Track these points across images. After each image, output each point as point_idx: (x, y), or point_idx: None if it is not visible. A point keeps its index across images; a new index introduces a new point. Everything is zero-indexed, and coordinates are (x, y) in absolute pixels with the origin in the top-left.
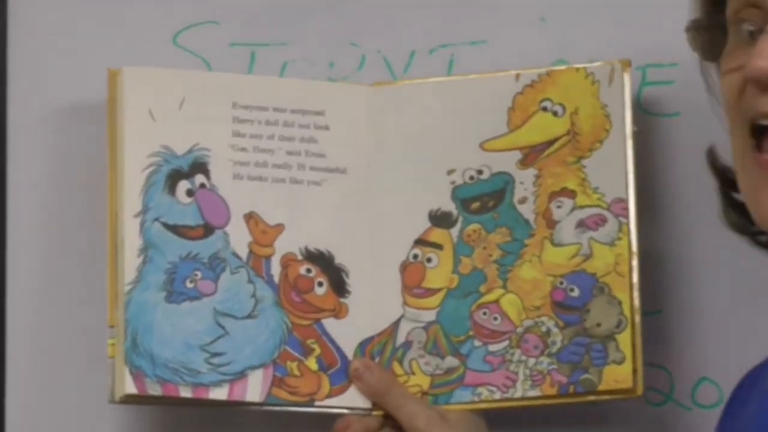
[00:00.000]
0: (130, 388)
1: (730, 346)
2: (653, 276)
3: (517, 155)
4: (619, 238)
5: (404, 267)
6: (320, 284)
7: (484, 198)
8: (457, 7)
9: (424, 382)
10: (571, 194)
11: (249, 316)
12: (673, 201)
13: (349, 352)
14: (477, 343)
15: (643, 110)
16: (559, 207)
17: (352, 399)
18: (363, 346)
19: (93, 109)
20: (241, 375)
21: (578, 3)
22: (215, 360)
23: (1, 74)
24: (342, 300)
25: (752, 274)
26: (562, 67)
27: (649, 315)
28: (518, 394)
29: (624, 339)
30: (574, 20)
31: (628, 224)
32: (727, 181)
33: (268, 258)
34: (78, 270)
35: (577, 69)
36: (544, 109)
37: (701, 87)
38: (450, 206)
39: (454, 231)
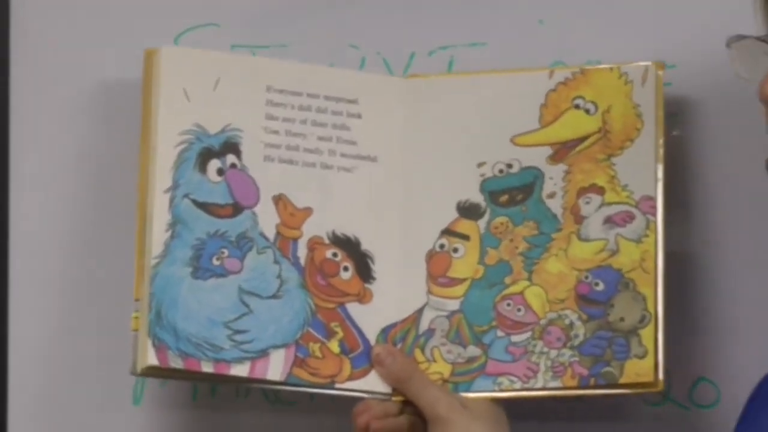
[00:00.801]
0: (153, 360)
1: (728, 347)
2: None
3: (548, 151)
4: (647, 235)
5: (430, 256)
6: (346, 269)
7: (512, 191)
8: (456, 8)
9: (445, 369)
10: (600, 191)
11: (274, 296)
12: (670, 201)
13: (372, 337)
14: (500, 333)
15: None
16: (587, 203)
17: (373, 383)
18: (386, 332)
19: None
20: (263, 353)
21: (577, 5)
22: (238, 337)
23: (4, 69)
24: (367, 285)
25: (751, 275)
26: (596, 66)
27: None
28: (539, 384)
29: (647, 334)
30: (572, 22)
31: (655, 222)
32: None
33: (295, 240)
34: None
35: (611, 68)
36: (577, 106)
37: (699, 88)
38: (478, 198)
39: (482, 222)
